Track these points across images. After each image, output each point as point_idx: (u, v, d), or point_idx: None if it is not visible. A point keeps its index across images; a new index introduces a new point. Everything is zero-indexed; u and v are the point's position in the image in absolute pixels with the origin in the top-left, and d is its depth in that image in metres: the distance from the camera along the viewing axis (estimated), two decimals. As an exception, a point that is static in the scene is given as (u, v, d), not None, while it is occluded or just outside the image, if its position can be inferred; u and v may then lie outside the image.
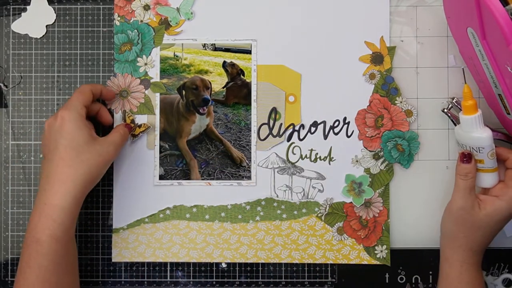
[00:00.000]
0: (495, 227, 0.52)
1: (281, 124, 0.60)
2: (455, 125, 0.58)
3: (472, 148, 0.52)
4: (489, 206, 0.51)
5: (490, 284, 0.59)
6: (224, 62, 0.61)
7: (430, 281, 0.60)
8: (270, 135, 0.60)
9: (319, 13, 0.61)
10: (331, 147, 0.60)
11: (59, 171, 0.51)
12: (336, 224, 0.60)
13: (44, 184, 0.51)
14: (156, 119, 0.60)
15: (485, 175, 0.53)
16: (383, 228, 0.59)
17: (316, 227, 0.60)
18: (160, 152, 0.60)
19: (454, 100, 0.59)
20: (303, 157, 0.60)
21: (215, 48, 0.61)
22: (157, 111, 0.61)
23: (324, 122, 0.60)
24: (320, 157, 0.60)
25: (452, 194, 0.53)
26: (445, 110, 0.59)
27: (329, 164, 0.60)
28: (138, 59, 0.61)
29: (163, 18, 0.61)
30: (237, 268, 0.60)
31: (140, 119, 0.61)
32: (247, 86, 0.60)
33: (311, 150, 0.60)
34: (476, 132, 0.52)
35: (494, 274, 0.59)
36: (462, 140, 0.53)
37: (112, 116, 0.61)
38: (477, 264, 0.53)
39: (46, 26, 0.61)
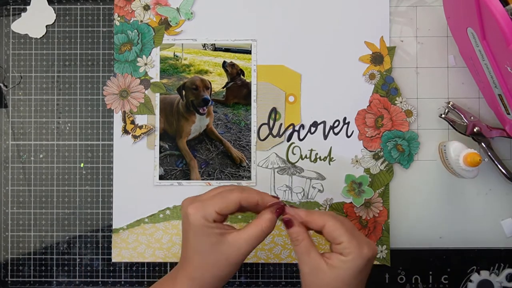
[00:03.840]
0: (354, 281, 0.45)
1: (281, 124, 0.60)
2: (455, 129, 0.58)
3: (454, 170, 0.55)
4: (337, 263, 0.44)
5: (496, 283, 0.59)
6: (224, 62, 0.61)
7: (430, 281, 0.60)
8: (270, 135, 0.60)
9: (319, 13, 0.61)
10: (331, 147, 0.60)
11: (187, 267, 0.46)
12: (336, 224, 0.60)
13: (180, 265, 0.48)
14: (156, 119, 0.60)
15: None
16: (383, 228, 0.59)
17: (316, 227, 0.60)
18: (160, 152, 0.60)
19: (450, 104, 0.59)
20: (303, 157, 0.60)
21: (215, 48, 0.61)
22: (157, 111, 0.61)
23: (324, 122, 0.60)
24: (320, 157, 0.60)
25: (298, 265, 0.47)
26: (443, 116, 0.59)
27: (329, 164, 0.60)
28: (138, 59, 0.61)
29: (163, 18, 0.61)
30: (237, 268, 0.60)
31: (140, 119, 0.61)
32: (247, 86, 0.60)
33: (311, 150, 0.60)
34: (466, 172, 0.54)
35: (495, 274, 0.59)
36: (452, 159, 0.54)
37: (112, 116, 0.61)
38: None
39: (46, 26, 0.61)
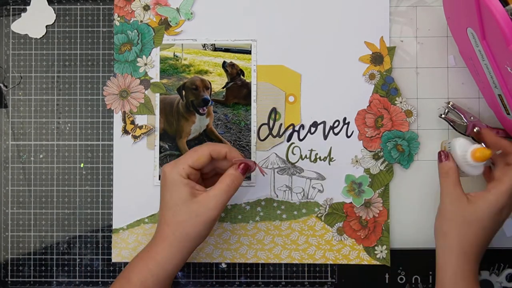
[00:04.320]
0: (486, 223, 0.50)
1: (281, 124, 0.60)
2: (455, 129, 0.58)
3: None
4: (478, 200, 0.50)
5: (496, 283, 0.59)
6: (224, 62, 0.61)
7: (430, 281, 0.60)
8: (270, 135, 0.60)
9: (319, 13, 0.61)
10: (331, 147, 0.60)
11: (160, 227, 0.50)
12: (336, 224, 0.60)
13: (155, 233, 0.51)
14: (156, 119, 0.61)
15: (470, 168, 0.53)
16: (383, 228, 0.59)
17: (316, 227, 0.60)
18: (160, 152, 0.60)
19: (450, 104, 0.59)
20: (303, 157, 0.60)
21: (215, 48, 0.61)
22: (157, 111, 0.61)
23: (324, 122, 0.60)
24: (320, 157, 0.60)
25: (440, 197, 0.53)
26: (443, 116, 0.59)
27: (329, 164, 0.60)
28: (138, 59, 0.61)
29: (163, 18, 0.61)
30: (237, 269, 0.60)
31: (140, 119, 0.61)
32: (247, 86, 0.60)
33: (311, 150, 0.60)
34: (472, 168, 0.52)
35: (495, 274, 0.59)
36: (456, 156, 0.53)
37: (112, 116, 0.61)
38: (473, 272, 0.50)
39: (46, 26, 0.61)
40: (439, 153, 0.53)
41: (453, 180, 0.52)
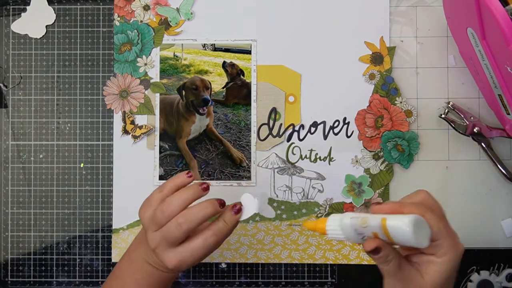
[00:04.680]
0: (450, 284, 0.40)
1: (281, 124, 0.60)
2: (455, 129, 0.58)
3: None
4: (429, 269, 0.39)
5: (496, 283, 0.59)
6: (224, 62, 0.61)
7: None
8: (270, 135, 0.60)
9: (319, 13, 0.61)
10: (331, 147, 0.60)
11: (131, 267, 0.49)
12: (336, 224, 0.60)
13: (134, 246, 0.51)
14: (156, 119, 0.60)
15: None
16: (383, 228, 0.59)
17: (316, 227, 0.60)
18: (160, 152, 0.60)
19: (450, 104, 0.59)
20: (303, 157, 0.60)
21: (215, 48, 0.61)
22: (157, 111, 0.61)
23: (324, 122, 0.60)
24: (320, 157, 0.60)
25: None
26: (443, 116, 0.58)
27: (329, 164, 0.60)
28: (138, 59, 0.61)
29: (163, 18, 0.61)
30: (237, 269, 0.60)
31: (140, 119, 0.61)
32: (247, 86, 0.60)
33: (311, 150, 0.60)
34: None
35: (495, 274, 0.59)
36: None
37: (112, 116, 0.61)
38: None
39: (46, 26, 0.61)
40: (373, 248, 0.38)
41: (395, 262, 0.39)
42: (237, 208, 0.47)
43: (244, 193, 0.48)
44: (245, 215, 0.47)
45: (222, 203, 0.47)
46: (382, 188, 0.60)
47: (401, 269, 0.39)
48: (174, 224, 0.45)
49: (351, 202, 0.60)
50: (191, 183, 0.48)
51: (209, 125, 0.61)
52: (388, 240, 0.38)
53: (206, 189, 0.47)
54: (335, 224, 0.41)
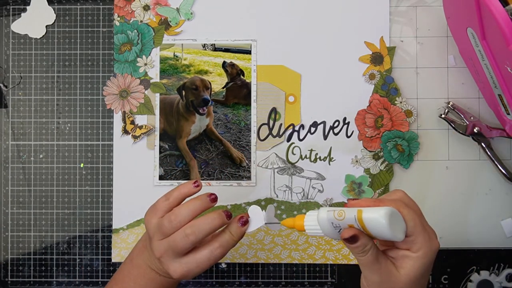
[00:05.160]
0: (424, 280, 0.41)
1: (281, 124, 0.60)
2: (455, 129, 0.58)
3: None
4: (405, 264, 0.40)
5: (496, 283, 0.59)
6: (224, 62, 0.61)
7: (430, 281, 0.60)
8: (270, 135, 0.60)
9: (319, 13, 0.61)
10: (331, 147, 0.60)
11: (134, 272, 0.49)
12: (336, 224, 0.60)
13: (133, 255, 0.50)
14: (156, 119, 0.61)
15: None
16: (383, 228, 0.59)
17: (316, 227, 0.60)
18: (160, 152, 0.60)
19: (450, 104, 0.59)
20: (303, 157, 0.60)
21: (215, 48, 0.61)
22: (156, 111, 0.61)
23: (324, 122, 0.60)
24: (320, 157, 0.60)
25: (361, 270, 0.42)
26: (443, 116, 0.58)
27: (329, 164, 0.60)
28: (138, 59, 0.61)
29: (163, 18, 0.61)
30: (237, 269, 0.60)
31: (140, 119, 0.61)
32: (247, 86, 0.60)
33: (311, 150, 0.60)
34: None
35: (495, 274, 0.59)
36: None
37: (112, 116, 0.61)
38: None
39: (46, 26, 0.61)
40: (351, 236, 0.39)
41: (372, 253, 0.40)
42: (244, 220, 0.47)
43: (252, 206, 0.48)
44: (252, 227, 0.47)
45: (229, 215, 0.47)
46: (382, 188, 0.60)
47: (378, 261, 0.40)
48: (181, 234, 0.45)
49: (351, 202, 0.60)
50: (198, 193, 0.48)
51: (209, 125, 0.61)
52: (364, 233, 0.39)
53: (215, 200, 0.47)
54: (313, 219, 0.42)
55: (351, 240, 0.39)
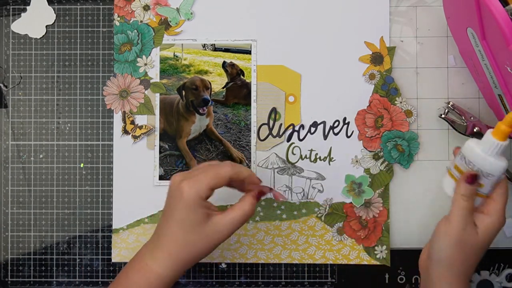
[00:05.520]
0: (487, 246, 0.48)
1: (281, 124, 0.60)
2: (455, 129, 0.58)
3: (481, 170, 0.47)
4: (480, 224, 0.48)
5: (496, 283, 0.59)
6: (224, 62, 0.61)
7: (430, 281, 0.60)
8: (270, 135, 0.60)
9: (319, 13, 0.61)
10: (331, 147, 0.60)
11: (166, 242, 0.48)
12: (336, 225, 0.60)
13: (154, 243, 0.49)
14: (156, 119, 0.61)
15: (477, 199, 0.49)
16: (383, 228, 0.59)
17: (316, 227, 0.60)
18: (160, 152, 0.60)
19: (450, 104, 0.59)
20: (303, 157, 0.60)
21: (215, 48, 0.61)
22: (156, 111, 0.61)
23: (324, 122, 0.60)
24: (320, 157, 0.60)
25: (450, 215, 0.49)
26: (443, 116, 0.58)
27: (329, 164, 0.60)
28: (138, 59, 0.61)
29: (163, 18, 0.61)
30: (237, 269, 0.60)
31: (140, 119, 0.61)
32: (247, 86, 0.60)
33: (311, 150, 0.60)
34: (497, 159, 0.46)
35: (495, 274, 0.59)
36: (474, 158, 0.47)
37: (112, 116, 0.61)
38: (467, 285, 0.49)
39: (46, 26, 0.61)
40: (468, 174, 0.47)
41: (471, 205, 0.48)
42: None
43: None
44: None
45: (259, 194, 0.50)
46: (382, 188, 0.60)
47: (471, 213, 0.48)
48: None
49: (351, 202, 0.60)
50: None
51: (209, 125, 0.61)
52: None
53: (259, 194, 0.50)
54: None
55: (471, 179, 0.48)
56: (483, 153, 0.47)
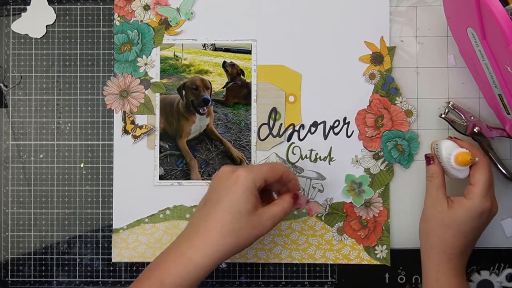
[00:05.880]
0: (464, 227, 0.51)
1: (281, 124, 0.60)
2: (455, 129, 0.58)
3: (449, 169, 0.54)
4: (457, 205, 0.52)
5: (496, 283, 0.59)
6: (224, 62, 0.61)
7: (430, 281, 0.60)
8: (270, 135, 0.60)
9: (319, 13, 0.61)
10: (331, 147, 0.60)
11: (208, 231, 0.47)
12: (336, 224, 0.60)
13: (192, 231, 0.49)
14: (156, 119, 0.61)
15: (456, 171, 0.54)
16: (383, 228, 0.59)
17: (316, 227, 0.60)
18: (160, 152, 0.60)
19: (450, 104, 0.59)
20: (303, 157, 0.60)
21: (215, 48, 0.61)
22: (157, 111, 0.61)
23: (324, 122, 0.60)
24: (320, 157, 0.60)
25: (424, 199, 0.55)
26: (443, 116, 0.59)
27: (329, 164, 0.60)
28: (138, 59, 0.61)
29: (163, 18, 0.61)
30: (237, 268, 0.60)
31: (140, 119, 0.61)
32: (247, 86, 0.60)
33: (311, 150, 0.60)
34: (459, 172, 0.54)
35: (495, 274, 0.59)
36: (441, 158, 0.54)
37: (112, 116, 0.61)
38: (455, 269, 0.52)
39: (46, 26, 0.61)
40: (426, 156, 0.55)
41: (436, 183, 0.53)
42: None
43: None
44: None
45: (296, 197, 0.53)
46: (382, 188, 0.60)
47: (437, 190, 0.54)
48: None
49: (351, 202, 0.60)
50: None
51: (209, 125, 0.61)
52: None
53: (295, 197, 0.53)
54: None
55: (428, 160, 0.54)
56: (447, 161, 0.53)
